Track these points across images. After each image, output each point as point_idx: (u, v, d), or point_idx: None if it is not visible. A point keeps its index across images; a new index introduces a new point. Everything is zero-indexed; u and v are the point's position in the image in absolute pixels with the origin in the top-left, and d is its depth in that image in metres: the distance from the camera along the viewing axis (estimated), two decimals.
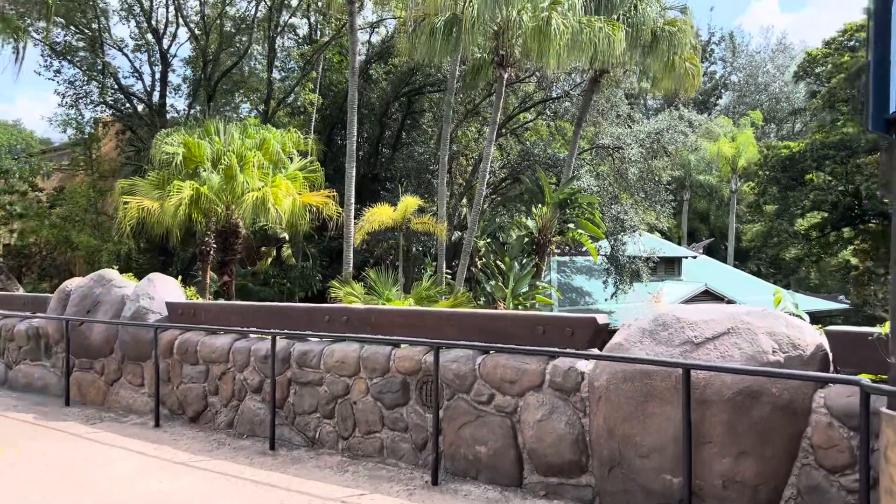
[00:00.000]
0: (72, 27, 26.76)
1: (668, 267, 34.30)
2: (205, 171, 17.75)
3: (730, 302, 32.57)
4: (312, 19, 33.97)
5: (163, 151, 17.37)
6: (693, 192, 49.90)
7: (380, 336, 6.95)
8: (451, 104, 24.91)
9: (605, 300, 29.16)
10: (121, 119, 28.93)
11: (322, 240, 31.21)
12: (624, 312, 29.11)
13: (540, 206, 24.78)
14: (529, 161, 28.63)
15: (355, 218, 22.83)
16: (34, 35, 26.57)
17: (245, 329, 8.01)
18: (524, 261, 24.17)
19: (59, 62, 27.27)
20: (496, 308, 22.29)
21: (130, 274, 9.91)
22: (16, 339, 10.43)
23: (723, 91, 55.03)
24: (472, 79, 23.25)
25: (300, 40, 33.72)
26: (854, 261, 40.33)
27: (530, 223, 25.23)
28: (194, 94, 29.16)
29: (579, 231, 24.79)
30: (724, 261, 42.42)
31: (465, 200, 30.44)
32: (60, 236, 26.28)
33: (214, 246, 21.08)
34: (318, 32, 34.38)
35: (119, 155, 28.82)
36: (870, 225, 38.59)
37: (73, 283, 9.89)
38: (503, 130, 31.24)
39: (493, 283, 22.21)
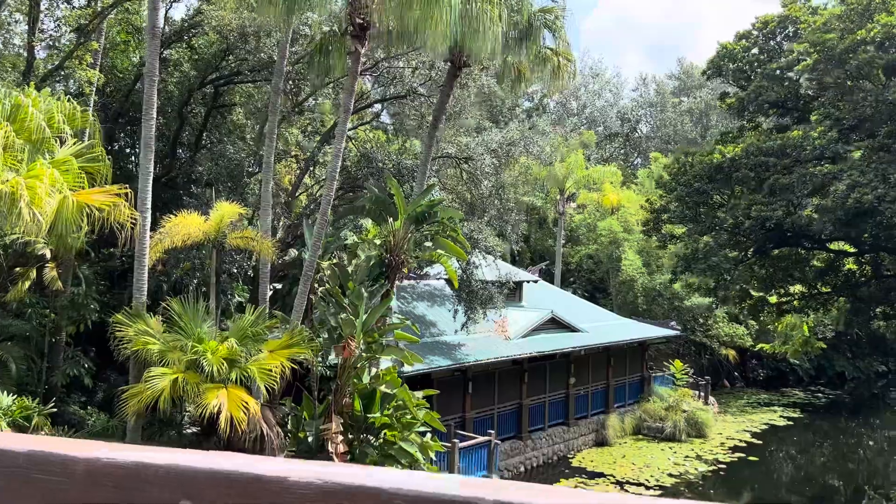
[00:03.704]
0: None
1: (509, 292, 31.26)
2: None
3: (574, 331, 30.16)
4: None
5: None
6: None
7: None
8: (279, 90, 19.83)
9: (455, 331, 25.28)
10: None
11: (100, 258, 24.44)
12: (473, 345, 25.45)
13: (391, 220, 20.38)
14: (371, 168, 24.12)
15: (151, 230, 17.05)
16: None
17: None
18: (372, 287, 19.60)
19: None
20: (345, 347, 17.48)
21: None
22: None
23: (542, 109, 54.19)
24: (322, 58, 18.28)
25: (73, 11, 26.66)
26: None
27: (378, 241, 20.75)
28: None
29: (438, 251, 20.68)
30: (552, 284, 40.53)
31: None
32: None
33: None
34: (99, 4, 27.52)
35: None
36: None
37: None
38: (333, 132, 26.49)
39: (342, 315, 17.35)
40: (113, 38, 27.25)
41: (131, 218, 13.11)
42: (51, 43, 24.65)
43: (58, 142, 12.89)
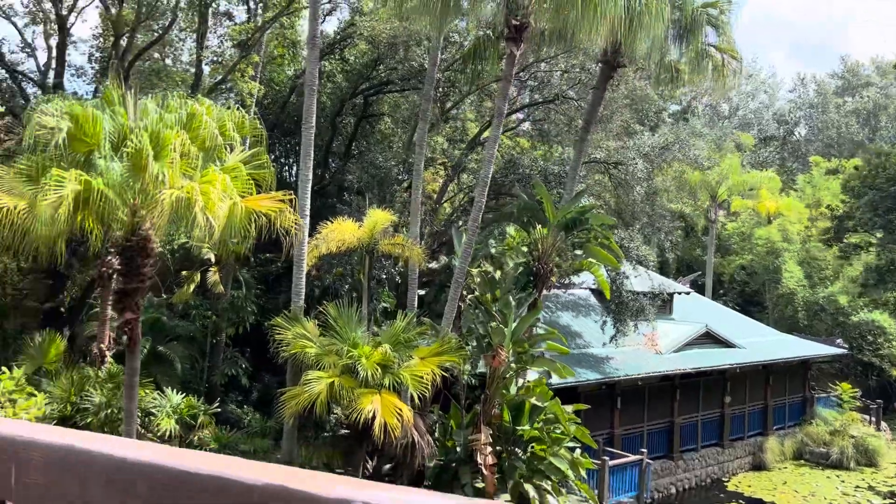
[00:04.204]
0: None
1: (660, 304, 29.85)
2: (102, 157, 12.05)
3: (730, 346, 28.34)
4: (252, 4, 28.36)
5: (39, 124, 11.60)
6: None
7: None
8: (430, 97, 19.81)
9: (603, 344, 24.34)
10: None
11: (257, 263, 25.43)
12: (622, 358, 24.39)
13: (539, 227, 19.86)
14: (517, 174, 23.71)
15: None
16: None
17: None
18: (519, 295, 19.16)
19: None
20: (494, 356, 17.12)
21: None
22: None
23: (691, 112, 51.77)
24: (474, 64, 18.07)
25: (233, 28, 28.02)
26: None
27: (525, 248, 20.31)
28: (101, 76, 23.14)
29: (590, 260, 19.95)
30: (702, 296, 38.46)
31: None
32: None
33: (119, 268, 15.30)
34: (259, 19, 28.83)
35: None
36: None
37: None
38: (481, 138, 26.33)
39: (492, 324, 17.02)
40: (270, 52, 28.45)
41: (294, 224, 13.33)
42: (214, 59, 25.97)
43: (228, 149, 13.33)
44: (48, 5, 23.21)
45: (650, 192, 24.40)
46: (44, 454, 1.55)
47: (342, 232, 18.36)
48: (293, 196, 13.44)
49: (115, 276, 16.21)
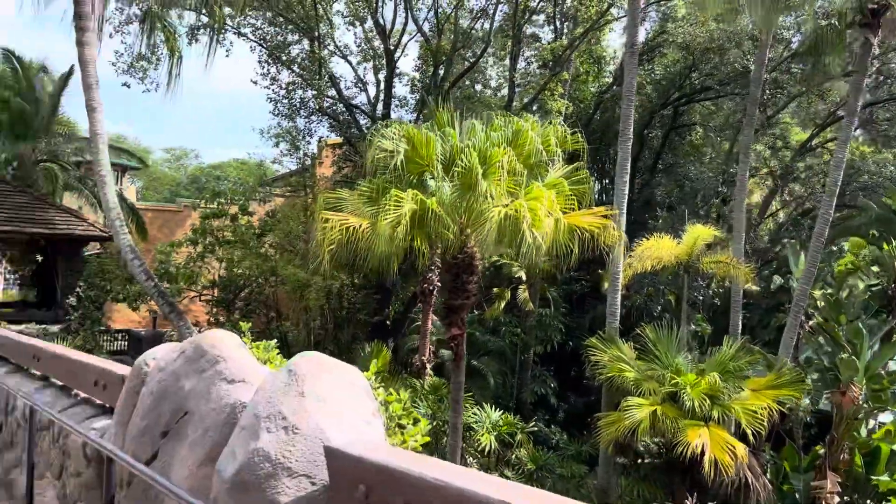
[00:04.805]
0: (290, 26, 23.39)
1: None
2: (433, 178, 12.46)
3: None
4: (558, 24, 28.43)
5: (378, 148, 12.30)
6: None
7: None
8: (756, 100, 17.95)
9: None
10: (338, 128, 25.08)
11: (563, 281, 25.14)
12: None
13: (894, 241, 16.93)
14: (859, 182, 20.63)
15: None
16: (250, 37, 23.47)
17: None
18: (870, 322, 16.41)
19: (277, 68, 23.97)
20: (843, 393, 14.78)
21: (263, 344, 4.33)
22: (72, 459, 5.36)
23: None
24: (815, 56, 16.02)
25: (543, 48, 28.27)
26: None
27: (876, 268, 17.45)
28: (422, 105, 24.66)
29: None
30: None
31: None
32: (266, 267, 22.59)
33: (438, 284, 15.87)
34: (564, 38, 28.84)
35: (335, 173, 24.94)
36: None
37: (156, 357, 4.53)
38: (813, 143, 23.49)
39: (843, 355, 14.72)
40: (575, 69, 28.27)
41: (615, 241, 12.65)
42: (523, 80, 26.42)
43: (548, 165, 13.09)
44: (377, 42, 25.37)
45: None
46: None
47: (659, 249, 17.28)
48: (616, 211, 12.76)
49: (435, 293, 16.92)
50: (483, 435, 15.33)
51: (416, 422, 3.61)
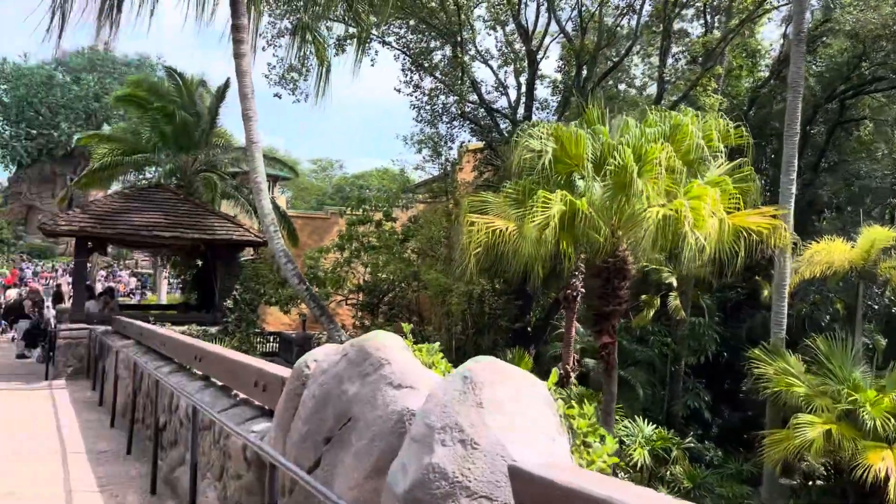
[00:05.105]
0: (432, 32, 23.53)
1: None
2: (582, 178, 11.92)
3: None
4: (709, 17, 26.94)
5: (525, 148, 11.91)
6: None
7: None
8: None
9: None
10: (479, 132, 24.96)
11: (717, 288, 23.67)
12: None
13: None
14: None
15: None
16: (394, 45, 23.83)
17: None
18: None
19: (420, 75, 24.21)
20: None
21: (426, 347, 4.03)
22: (233, 460, 5.30)
23: None
24: None
25: (694, 42, 26.88)
26: None
27: None
28: (564, 107, 24.08)
29: None
30: None
31: None
32: (409, 272, 22.77)
33: (583, 291, 15.23)
34: (716, 32, 27.29)
35: (476, 178, 24.82)
36: None
37: (317, 360, 4.34)
38: None
39: None
40: (728, 63, 26.69)
41: (785, 244, 11.57)
42: (672, 77, 25.20)
43: (707, 161, 12.19)
44: (518, 45, 25.04)
45: None
46: None
47: (830, 253, 15.83)
48: (785, 211, 11.69)
49: (578, 299, 16.27)
50: (636, 450, 14.54)
51: (602, 439, 3.17)
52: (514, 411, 2.87)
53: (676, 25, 26.87)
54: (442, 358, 4.00)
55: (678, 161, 11.09)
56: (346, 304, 25.33)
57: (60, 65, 59.18)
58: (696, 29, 27.63)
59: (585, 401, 3.78)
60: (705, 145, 11.29)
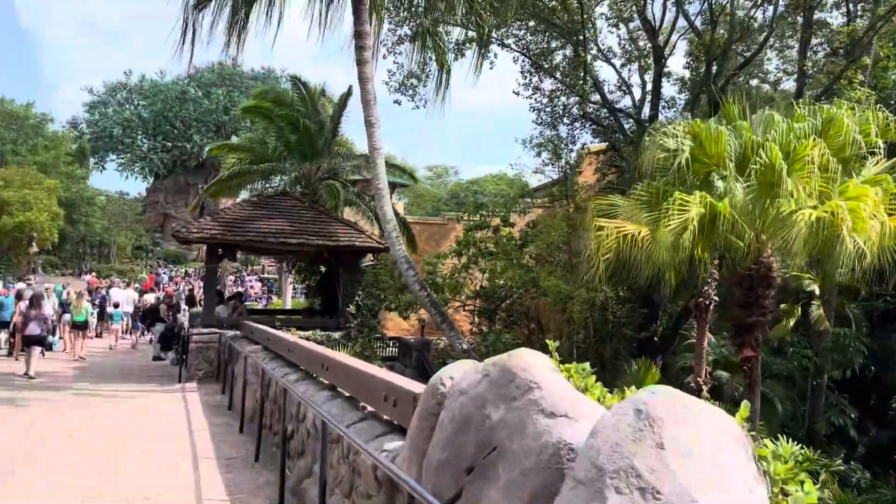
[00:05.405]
0: (553, 32, 22.95)
1: None
2: (722, 178, 11.08)
3: None
4: (851, 6, 24.95)
5: (660, 148, 11.21)
6: None
7: None
8: None
9: None
10: (601, 133, 24.14)
11: (866, 296, 21.81)
12: None
13: None
14: None
15: None
16: (513, 47, 23.43)
17: None
18: None
19: (540, 76, 23.70)
20: None
21: (575, 367, 3.58)
22: (363, 478, 5.04)
23: None
24: None
25: (837, 31, 24.98)
26: None
27: None
28: (693, 104, 22.91)
29: None
30: None
31: None
32: (527, 278, 22.25)
33: (716, 299, 14.24)
34: (860, 21, 25.24)
35: (598, 180, 24.00)
36: None
37: (454, 377, 3.99)
38: None
39: None
40: (875, 53, 24.63)
41: None
42: (813, 70, 23.50)
43: (863, 158, 11.07)
44: (642, 42, 24.06)
45: None
46: None
47: None
48: None
49: (711, 308, 15.25)
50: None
51: (801, 484, 2.65)
52: (703, 455, 2.39)
53: (815, 15, 25.07)
54: (596, 381, 3.54)
55: (832, 158, 10.07)
56: (464, 311, 25.11)
57: (192, 80, 62.60)
58: (835, 19, 25.72)
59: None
60: (862, 140, 10.21)
